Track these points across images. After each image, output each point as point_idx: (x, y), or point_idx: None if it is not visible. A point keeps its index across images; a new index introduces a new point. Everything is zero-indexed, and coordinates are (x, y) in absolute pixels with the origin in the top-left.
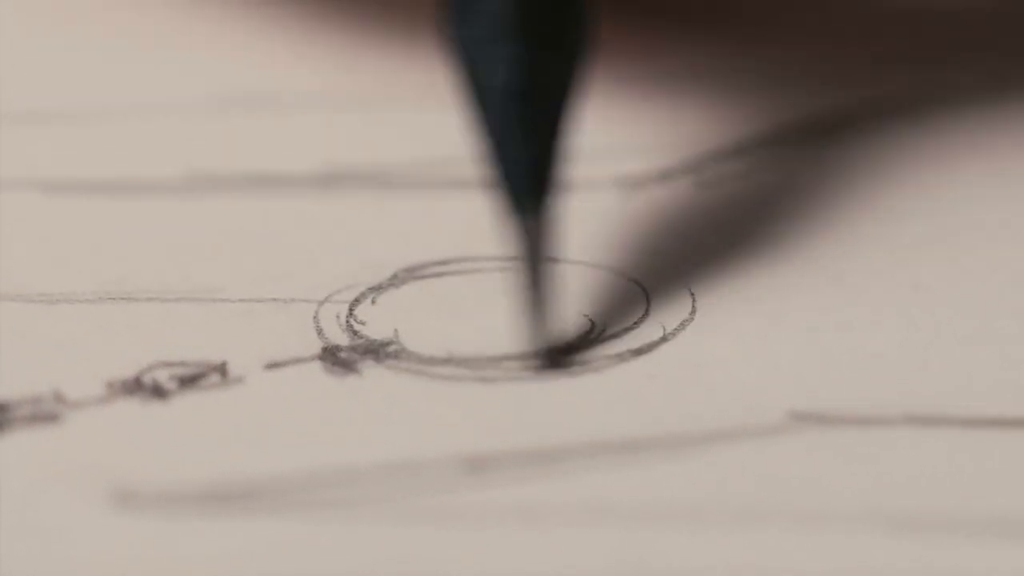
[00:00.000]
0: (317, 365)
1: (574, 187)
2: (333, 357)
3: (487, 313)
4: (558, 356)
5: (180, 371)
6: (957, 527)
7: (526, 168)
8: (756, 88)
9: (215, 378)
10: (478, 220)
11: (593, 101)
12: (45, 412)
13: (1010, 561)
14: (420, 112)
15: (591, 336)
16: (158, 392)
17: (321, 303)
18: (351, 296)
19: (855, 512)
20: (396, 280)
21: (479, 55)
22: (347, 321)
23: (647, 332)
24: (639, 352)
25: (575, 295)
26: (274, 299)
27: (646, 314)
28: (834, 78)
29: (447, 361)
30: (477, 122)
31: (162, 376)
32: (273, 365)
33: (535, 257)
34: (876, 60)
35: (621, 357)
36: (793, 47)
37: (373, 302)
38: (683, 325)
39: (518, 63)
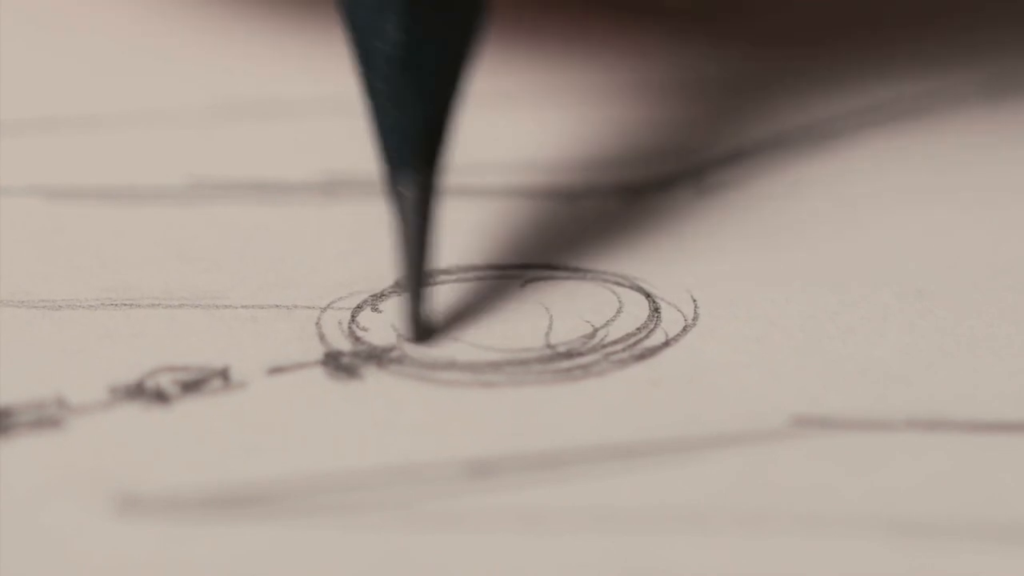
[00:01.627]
0: (319, 370)
1: (575, 194)
2: (335, 362)
3: (490, 318)
4: (427, 331)
5: (183, 376)
6: (960, 532)
7: (410, 134)
8: (756, 94)
9: (218, 383)
10: (482, 228)
11: (594, 108)
12: (48, 417)
13: (1014, 566)
14: None
15: (593, 342)
16: (161, 397)
17: (323, 309)
18: (353, 303)
19: (858, 517)
20: (398, 287)
21: (367, 20)
22: (349, 327)
23: (649, 337)
24: (641, 357)
25: (577, 302)
26: (276, 306)
27: (648, 320)
28: (833, 83)
29: (449, 366)
30: (363, 87)
31: (165, 381)
32: (276, 370)
33: (413, 227)
34: (875, 64)
35: (623, 362)
36: (792, 52)
37: (375, 309)
38: (685, 330)
39: (404, 29)
